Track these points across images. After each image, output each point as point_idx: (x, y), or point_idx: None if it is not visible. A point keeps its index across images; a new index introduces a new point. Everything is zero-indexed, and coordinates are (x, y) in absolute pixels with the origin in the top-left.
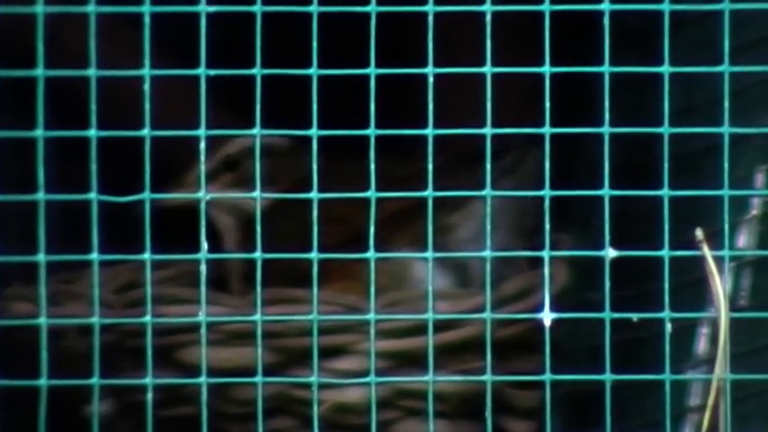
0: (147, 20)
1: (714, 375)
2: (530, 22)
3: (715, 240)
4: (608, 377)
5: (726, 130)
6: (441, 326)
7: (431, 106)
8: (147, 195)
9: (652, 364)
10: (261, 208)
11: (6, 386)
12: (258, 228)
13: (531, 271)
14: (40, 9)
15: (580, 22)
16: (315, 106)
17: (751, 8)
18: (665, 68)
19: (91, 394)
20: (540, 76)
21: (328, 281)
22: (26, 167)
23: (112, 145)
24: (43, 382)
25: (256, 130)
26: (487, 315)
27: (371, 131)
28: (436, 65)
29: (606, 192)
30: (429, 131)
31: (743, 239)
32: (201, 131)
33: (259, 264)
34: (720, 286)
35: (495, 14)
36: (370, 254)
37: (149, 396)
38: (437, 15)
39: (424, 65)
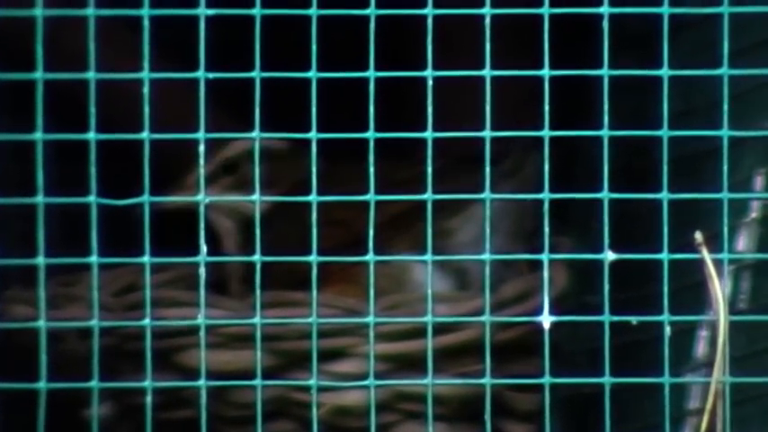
0: (146, 23)
1: (713, 378)
2: (529, 25)
3: (714, 243)
4: (607, 380)
5: (725, 133)
6: (440, 329)
7: (430, 109)
8: (146, 198)
9: (651, 367)
10: (260, 211)
11: (6, 389)
12: (257, 231)
13: (531, 274)
14: (39, 12)
15: (579, 25)
16: (314, 109)
17: (750, 11)
18: (665, 71)
19: (90, 397)
20: (540, 80)
21: (327, 284)
22: (25, 170)
23: (112, 148)
24: (42, 385)
25: (255, 133)
26: (486, 318)
27: (371, 134)
28: (435, 68)
29: (605, 195)
30: (428, 134)
31: (742, 242)
32: (201, 134)
33: (258, 267)
34: (720, 289)
35: (494, 17)
36: (370, 257)
37: (149, 399)
38: (436, 18)
39: (424, 68)
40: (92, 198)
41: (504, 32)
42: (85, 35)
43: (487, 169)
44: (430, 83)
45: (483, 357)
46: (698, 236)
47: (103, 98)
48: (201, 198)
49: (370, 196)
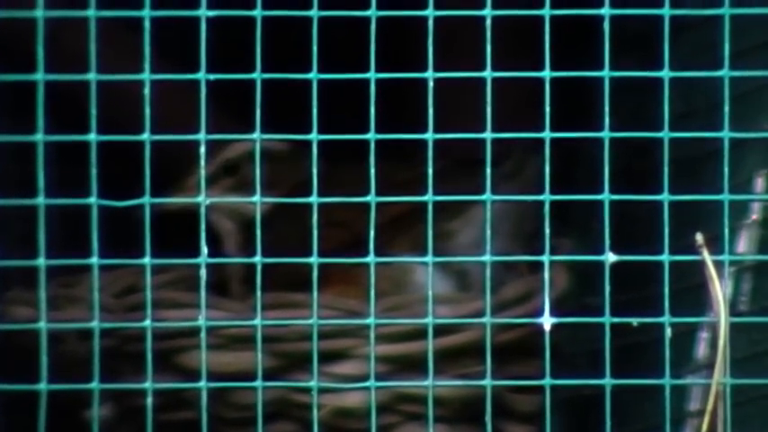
0: (147, 24)
1: (714, 380)
2: (530, 26)
3: (715, 245)
4: (608, 382)
5: (726, 134)
6: (441, 330)
7: (431, 111)
8: (146, 200)
9: (652, 369)
10: (261, 212)
11: (6, 390)
12: (258, 232)
13: (531, 275)
14: (40, 13)
15: (580, 26)
16: (315, 110)
17: (751, 13)
18: (665, 73)
19: (91, 399)
20: (540, 81)
21: (328, 285)
22: (26, 172)
23: (112, 149)
24: (43, 386)
25: (256, 135)
26: (487, 320)
27: (371, 136)
28: (436, 69)
29: (606, 196)
30: (429, 136)
31: (743, 244)
32: (201, 135)
33: (259, 268)
34: (720, 291)
35: (495, 19)
36: (370, 258)
37: (149, 400)
38: (437, 20)
39: (425, 69)
40: (92, 199)
41: (505, 34)
42: (86, 36)
43: (488, 171)
44: (431, 84)
45: (483, 359)
46: (699, 237)
47: (104, 100)
48: (202, 199)
49: (371, 198)
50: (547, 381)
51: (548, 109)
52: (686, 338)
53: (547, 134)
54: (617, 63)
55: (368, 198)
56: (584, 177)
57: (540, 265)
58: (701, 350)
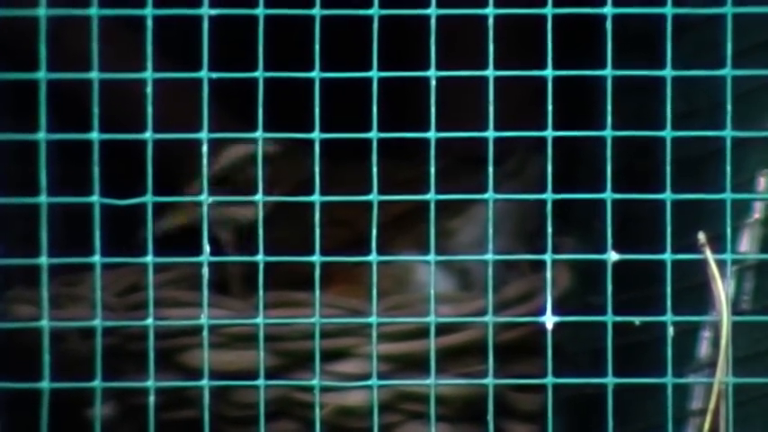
0: (149, 23)
1: (716, 379)
2: (532, 25)
3: (717, 244)
4: (610, 380)
5: (728, 133)
6: (443, 329)
7: (433, 109)
8: (149, 198)
9: (654, 368)
10: (255, 214)
11: (9, 389)
12: (260, 231)
13: (534, 274)
14: (42, 12)
15: (582, 25)
16: (317, 109)
17: (753, 12)
18: (668, 72)
19: (93, 397)
20: (543, 80)
21: (330, 284)
22: (28, 170)
23: (115, 148)
24: (45, 384)
25: (258, 134)
26: (489, 318)
27: (374, 134)
28: (439, 68)
29: (608, 195)
30: (431, 135)
31: (745, 243)
32: (204, 134)
33: (261, 267)
34: (722, 290)
35: (497, 18)
36: (373, 257)
37: (151, 399)
38: (439, 19)
39: (427, 68)
40: (95, 198)
41: (508, 33)
42: (88, 35)
43: (490, 170)
44: (433, 83)
45: (486, 358)
46: (701, 236)
47: (106, 99)
48: (204, 198)
49: (373, 197)
50: (549, 380)
51: (550, 108)
52: (688, 337)
53: (549, 133)
54: (619, 62)
55: (370, 197)
56: (586, 176)
57: (542, 264)
58: (704, 349)
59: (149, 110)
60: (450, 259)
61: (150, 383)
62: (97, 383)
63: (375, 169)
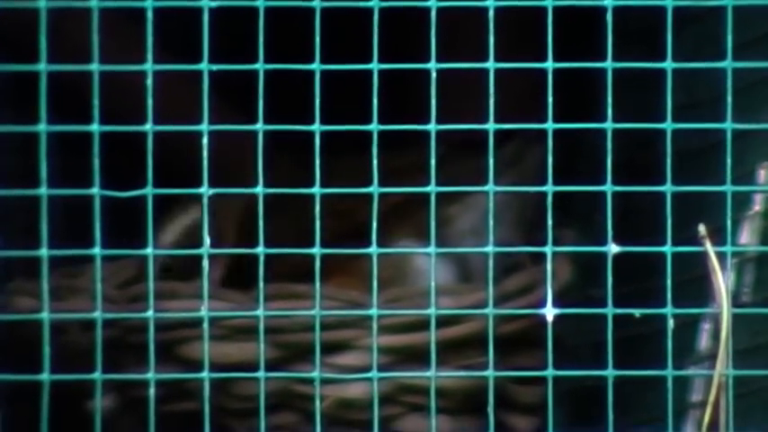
0: (149, 14)
1: (716, 371)
2: (533, 17)
3: (718, 236)
4: (610, 373)
5: (729, 126)
6: (443, 321)
7: (433, 102)
8: (149, 191)
9: (654, 360)
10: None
11: (9, 381)
12: (260, 223)
13: (534, 267)
14: (42, 3)
15: (583, 17)
16: (317, 102)
17: (754, 4)
18: (668, 64)
19: (93, 389)
20: (543, 72)
21: (328, 275)
22: (29, 162)
23: (115, 141)
24: (45, 376)
25: (259, 126)
26: (490, 311)
27: (374, 127)
28: (439, 60)
29: (609, 187)
30: (432, 127)
31: (745, 235)
32: (204, 126)
33: (261, 259)
34: (723, 282)
35: (497, 10)
36: (373, 249)
37: (152, 391)
38: (440, 10)
39: (426, 59)
40: (95, 190)
41: (508, 25)
42: (89, 27)
43: (491, 162)
44: (434, 75)
45: (486, 350)
46: (701, 229)
47: (107, 91)
48: (204, 190)
49: (374, 189)
50: (549, 372)
51: (550, 100)
52: (688, 330)
53: (550, 125)
54: (620, 55)
55: (371, 189)
56: (586, 169)
57: (542, 256)
58: (704, 341)
59: (149, 102)
60: (450, 251)
61: (150, 375)
62: (97, 375)
63: (375, 162)
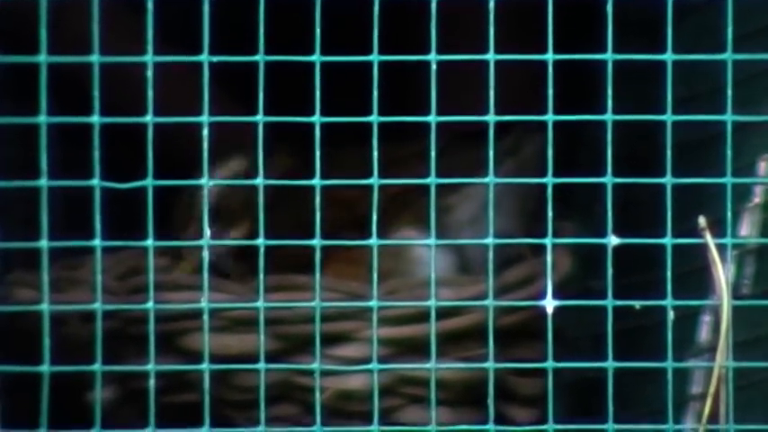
0: (149, 5)
1: (716, 363)
2: (533, 9)
3: (718, 228)
4: (610, 365)
5: (729, 117)
6: (443, 313)
7: (434, 94)
8: (149, 182)
9: (654, 352)
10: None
11: (9, 372)
12: (261, 215)
13: (534, 258)
14: None
15: (583, 10)
16: (318, 93)
17: None
18: (669, 56)
19: (93, 381)
20: (543, 64)
21: (328, 264)
22: (29, 154)
23: (116, 133)
24: (45, 368)
25: (259, 117)
26: (490, 302)
27: (374, 118)
28: (438, 51)
29: (609, 179)
30: (432, 118)
31: (745, 227)
32: (204, 118)
33: (262, 250)
34: (723, 274)
35: (497, 1)
36: (373, 241)
37: (152, 383)
38: (440, 2)
39: (425, 51)
40: (95, 181)
41: (508, 17)
42: (89, 18)
43: (491, 153)
44: (434, 67)
45: (486, 342)
46: (701, 221)
47: (107, 83)
48: (205, 182)
49: (374, 180)
50: (549, 364)
51: (551, 92)
52: (689, 322)
53: (550, 117)
54: (620, 48)
55: (371, 180)
56: (587, 161)
57: (542, 248)
58: (704, 334)
59: (150, 93)
60: (450, 242)
61: (151, 367)
62: (97, 367)
63: (375, 153)
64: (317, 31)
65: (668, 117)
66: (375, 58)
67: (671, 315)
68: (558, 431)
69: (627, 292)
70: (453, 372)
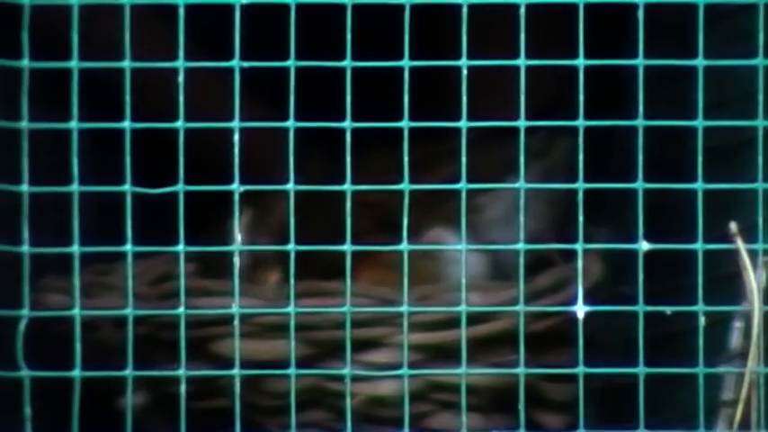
0: (181, 12)
1: (747, 369)
2: (564, 14)
3: (749, 234)
4: (641, 370)
5: (760, 123)
6: (474, 319)
7: (464, 98)
8: (180, 187)
9: (685, 358)
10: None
11: (40, 377)
12: (291, 220)
13: (565, 264)
14: (74, 0)
15: (614, 15)
16: (348, 98)
17: None
18: (700, 61)
19: (124, 386)
20: (574, 70)
21: (358, 269)
22: (61, 160)
23: (148, 139)
24: (77, 373)
25: (290, 123)
26: (521, 308)
27: (405, 123)
28: (469, 57)
29: (640, 185)
30: (463, 124)
31: None
32: (235, 123)
33: (292, 256)
34: (754, 280)
35: (528, 7)
36: (404, 246)
37: (182, 388)
38: (470, 7)
39: (455, 56)
40: (127, 187)
41: (539, 22)
42: (121, 24)
43: (521, 159)
44: (464, 72)
45: (517, 347)
46: (732, 226)
47: (140, 91)
48: (236, 187)
49: (405, 185)
50: (580, 369)
51: (581, 97)
52: (720, 328)
53: (581, 122)
54: (651, 52)
55: (402, 186)
56: (617, 166)
57: (573, 253)
58: (735, 339)
59: (181, 99)
60: (481, 248)
61: (182, 372)
62: (128, 372)
63: (406, 159)
64: (348, 36)
65: (699, 122)
66: (406, 63)
67: (702, 321)
68: None
69: (658, 298)
70: (484, 377)
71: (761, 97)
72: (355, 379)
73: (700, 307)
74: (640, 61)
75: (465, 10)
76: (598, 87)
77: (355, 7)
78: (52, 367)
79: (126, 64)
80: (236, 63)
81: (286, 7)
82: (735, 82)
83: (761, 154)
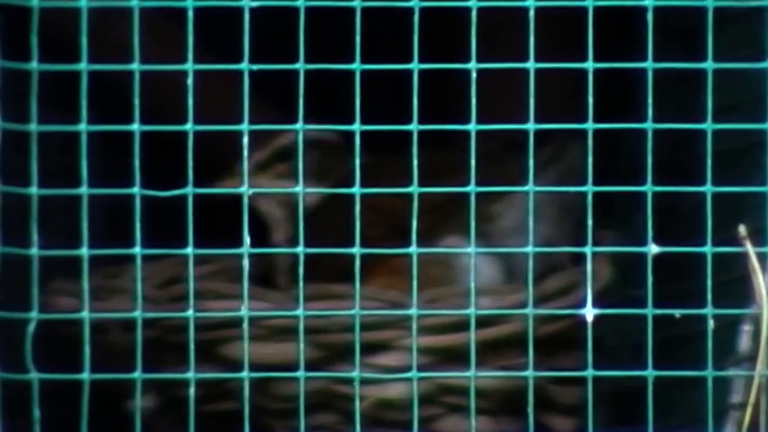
0: (190, 14)
1: (756, 372)
2: (573, 17)
3: (758, 237)
4: (650, 373)
5: None
6: (483, 322)
7: (473, 101)
8: (189, 190)
9: (694, 361)
10: (311, 203)
11: (49, 380)
12: (301, 223)
13: (574, 267)
14: (83, 3)
15: (623, 18)
16: (358, 101)
17: None
18: (709, 65)
19: (133, 389)
20: (584, 72)
21: (371, 273)
22: (70, 162)
23: (157, 141)
24: (86, 376)
25: (299, 125)
26: (530, 311)
27: (414, 126)
28: (478, 60)
29: (649, 188)
30: (472, 127)
31: None
32: (245, 126)
33: (301, 259)
34: (763, 283)
35: (538, 10)
36: (413, 249)
37: (191, 391)
38: (480, 11)
39: (464, 59)
40: (135, 189)
41: (548, 25)
42: (130, 27)
43: (531, 162)
44: (474, 75)
45: (526, 350)
46: (742, 229)
47: (148, 91)
48: (245, 189)
49: (414, 188)
50: (589, 372)
51: (590, 100)
52: (729, 331)
53: (590, 125)
54: (660, 55)
55: (411, 189)
56: (627, 169)
57: (582, 256)
58: (744, 342)
59: (190, 101)
60: (490, 251)
61: (191, 375)
62: (138, 375)
63: (415, 162)
64: (358, 38)
65: (708, 126)
66: (415, 66)
67: (711, 324)
68: None
69: (667, 301)
70: (493, 380)
71: None
72: (364, 382)
73: (709, 310)
74: (649, 64)
75: (474, 13)
76: (607, 90)
77: (364, 11)
78: (61, 370)
79: (135, 66)
80: (245, 66)
81: (295, 10)
82: (744, 85)
83: None
